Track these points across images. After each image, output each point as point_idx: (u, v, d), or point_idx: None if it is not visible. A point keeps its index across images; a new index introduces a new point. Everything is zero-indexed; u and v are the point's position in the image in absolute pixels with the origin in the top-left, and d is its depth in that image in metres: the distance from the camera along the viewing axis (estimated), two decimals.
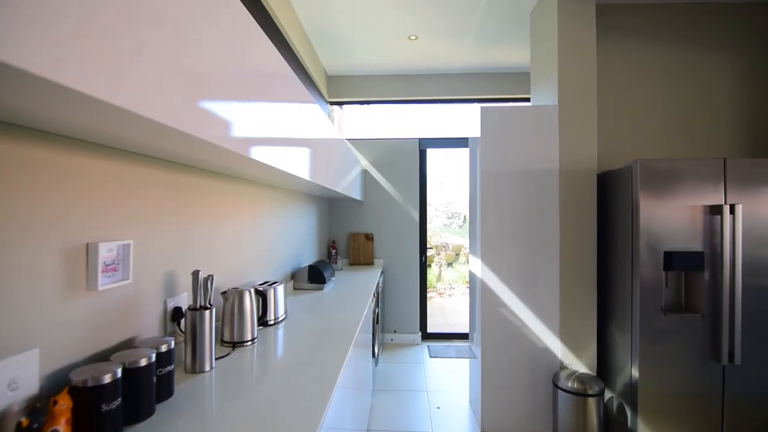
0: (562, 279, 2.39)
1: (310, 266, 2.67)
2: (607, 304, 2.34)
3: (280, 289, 1.86)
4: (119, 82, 0.56)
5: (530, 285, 2.42)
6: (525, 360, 2.39)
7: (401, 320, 4.02)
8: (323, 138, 2.20)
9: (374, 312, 3.05)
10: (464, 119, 4.62)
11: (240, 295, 1.49)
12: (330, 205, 4.08)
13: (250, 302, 1.50)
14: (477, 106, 2.70)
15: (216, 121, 0.87)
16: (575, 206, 2.40)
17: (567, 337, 2.37)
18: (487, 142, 2.48)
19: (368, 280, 3.18)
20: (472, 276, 2.81)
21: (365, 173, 4.06)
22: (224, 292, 1.51)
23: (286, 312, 1.94)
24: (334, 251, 3.88)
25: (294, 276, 2.70)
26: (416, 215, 4.01)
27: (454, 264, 7.91)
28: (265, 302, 1.74)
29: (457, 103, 4.21)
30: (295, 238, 2.80)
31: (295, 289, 2.68)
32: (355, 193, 3.63)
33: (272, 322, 1.79)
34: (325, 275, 2.68)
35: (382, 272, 3.82)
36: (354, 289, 2.77)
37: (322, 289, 2.67)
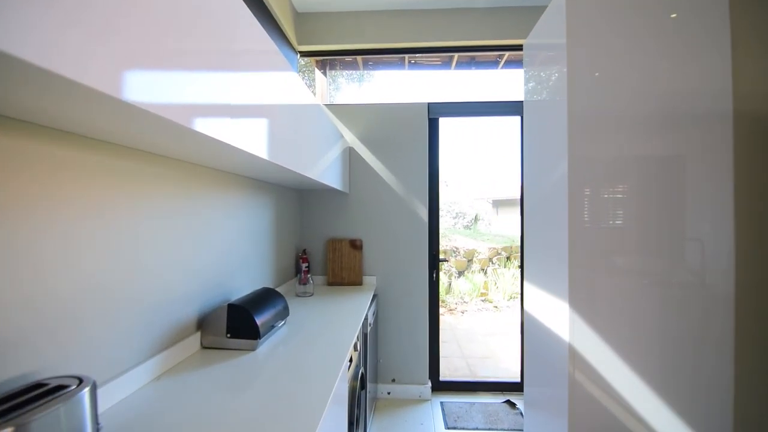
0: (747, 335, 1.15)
1: (231, 306, 1.43)
2: None
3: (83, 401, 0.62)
4: None
5: (683, 354, 1.17)
6: None
7: (402, 365, 2.78)
8: (285, 98, 1.47)
9: (360, 363, 1.82)
10: (492, 79, 3.38)
11: None
12: (300, 199, 2.84)
13: None
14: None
15: None
16: None
17: None
18: (581, 60, 1.24)
19: (351, 313, 1.94)
20: (529, 320, 1.57)
21: (351, 153, 2.82)
22: None
23: None
24: (304, 265, 2.64)
25: (203, 325, 1.46)
26: (424, 212, 2.77)
27: (466, 273, 6.66)
28: None
29: (482, 51, 2.96)
30: (219, 250, 1.57)
31: (204, 348, 1.44)
32: (334, 181, 2.39)
33: None
34: (260, 321, 1.44)
35: (374, 297, 2.58)
36: (325, 334, 1.53)
37: (253, 348, 1.42)
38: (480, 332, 4.79)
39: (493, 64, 3.91)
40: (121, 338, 1.08)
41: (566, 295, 1.17)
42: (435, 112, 2.80)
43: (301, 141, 1.70)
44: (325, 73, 3.72)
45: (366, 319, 2.13)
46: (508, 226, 14.08)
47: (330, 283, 2.73)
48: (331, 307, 2.15)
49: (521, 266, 2.86)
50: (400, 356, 2.77)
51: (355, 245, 2.75)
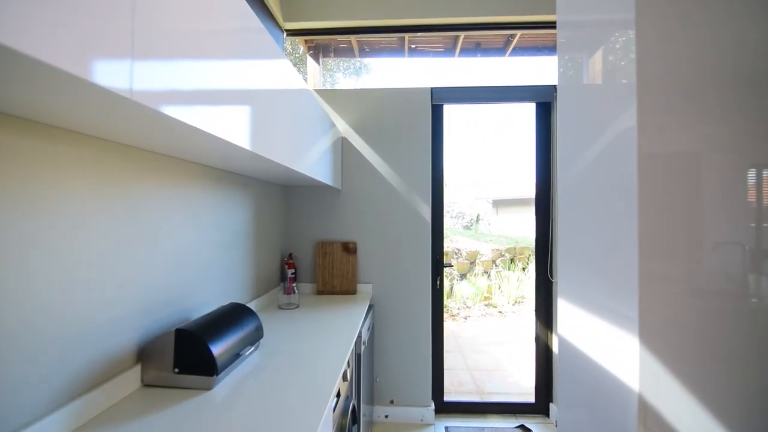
0: None
1: (180, 332, 1.10)
2: None
3: None
4: None
5: None
6: None
7: (402, 384, 2.44)
8: (269, 79, 1.21)
9: (351, 394, 1.48)
10: (498, 68, 3.06)
11: None
12: (285, 196, 2.50)
13: None
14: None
15: None
16: None
17: None
18: (653, 27, 0.91)
19: (342, 329, 1.61)
20: (567, 349, 1.24)
21: (344, 144, 2.49)
22: None
23: None
24: (290, 272, 2.31)
25: (145, 356, 1.12)
26: (426, 211, 2.44)
27: (468, 276, 6.33)
28: None
29: (491, 29, 2.63)
30: (173, 257, 1.23)
31: (146, 386, 1.11)
32: (325, 175, 2.07)
33: None
34: (217, 351, 1.11)
35: (369, 308, 2.25)
36: (308, 361, 1.20)
37: (209, 387, 1.09)
38: (485, 341, 4.46)
39: (500, 51, 3.59)
40: (18, 379, 0.75)
41: (634, 323, 0.84)
42: (439, 98, 2.47)
43: (286, 128, 1.37)
44: (318, 61, 3.40)
45: (359, 336, 1.80)
46: (509, 227, 13.76)
47: (320, 292, 2.40)
48: (318, 321, 1.81)
49: (536, 270, 2.53)
50: (399, 375, 2.44)
51: (349, 249, 2.42)
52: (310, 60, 3.35)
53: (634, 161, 0.88)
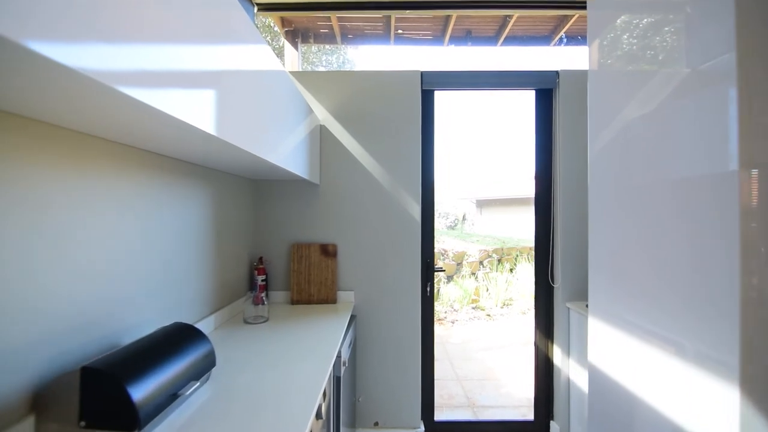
0: None
1: (87, 371, 0.80)
2: None
3: None
4: None
5: None
6: None
7: (388, 404, 2.17)
8: (236, 55, 1.03)
9: (328, 411, 1.21)
10: (489, 59, 2.84)
11: None
12: (256, 192, 2.20)
13: None
14: None
15: None
16: None
17: None
18: None
19: (316, 348, 1.32)
20: (597, 377, 0.99)
21: (323, 133, 2.20)
22: None
23: None
24: (260, 279, 2.02)
25: (41, 404, 0.82)
26: (415, 209, 2.17)
27: (455, 277, 6.11)
28: None
29: (487, 7, 2.38)
30: (94, 265, 0.92)
31: None
32: (300, 168, 1.79)
33: None
34: (140, 396, 0.81)
35: (351, 319, 1.98)
36: (271, 397, 0.92)
37: None
38: (474, 347, 4.24)
39: (492, 39, 3.38)
40: None
41: (730, 369, 0.58)
42: (430, 83, 2.21)
43: (252, 110, 1.09)
44: (296, 47, 3.10)
45: (339, 357, 1.52)
46: (494, 227, 13.68)
47: (294, 302, 2.11)
48: (290, 338, 1.53)
49: (536, 274, 2.31)
50: (385, 393, 2.17)
51: (328, 252, 2.14)
52: (287, 46, 3.06)
53: (734, 152, 0.64)
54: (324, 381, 1.16)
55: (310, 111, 2.00)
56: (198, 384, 1.01)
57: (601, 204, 1.07)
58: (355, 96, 2.18)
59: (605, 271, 1.00)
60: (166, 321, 1.26)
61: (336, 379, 1.52)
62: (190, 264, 1.48)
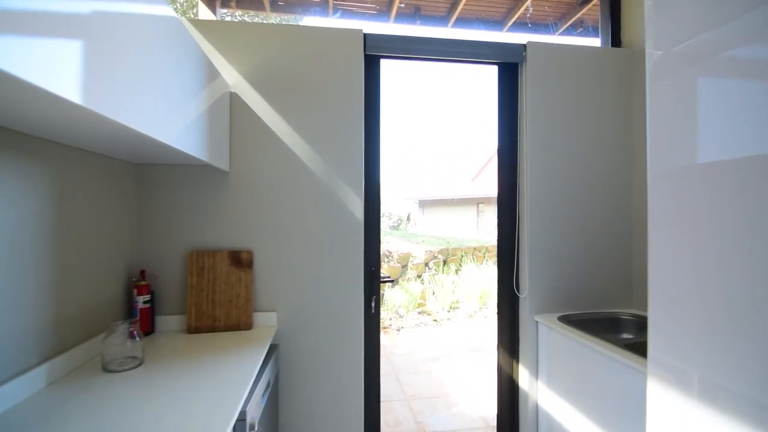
0: None
1: None
2: None
3: None
4: None
5: None
6: None
7: None
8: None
9: None
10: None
11: None
12: (138, 180, 1.59)
13: None
14: None
15: None
16: None
17: None
18: None
19: (215, 404, 0.81)
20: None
21: (234, 103, 1.65)
22: None
23: None
24: (142, 300, 1.45)
25: None
26: (357, 205, 1.71)
27: (401, 281, 5.76)
28: None
29: None
30: None
31: None
32: (199, 149, 1.25)
33: None
34: None
35: (272, 350, 1.47)
36: None
37: None
38: (422, 357, 3.89)
39: (443, 20, 3.05)
40: None
41: None
42: (375, 47, 1.77)
43: (125, 65, 0.56)
44: (214, 11, 2.51)
45: (242, 420, 1.01)
46: (437, 227, 13.68)
47: (193, 329, 1.54)
48: (169, 394, 0.99)
49: (498, 282, 1.97)
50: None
51: (241, 261, 1.60)
52: (202, 8, 2.44)
53: None
54: None
55: (217, 74, 1.45)
56: None
57: (657, 199, 0.70)
58: (278, 57, 1.67)
59: (678, 304, 0.64)
60: None
61: None
62: (6, 289, 0.88)
